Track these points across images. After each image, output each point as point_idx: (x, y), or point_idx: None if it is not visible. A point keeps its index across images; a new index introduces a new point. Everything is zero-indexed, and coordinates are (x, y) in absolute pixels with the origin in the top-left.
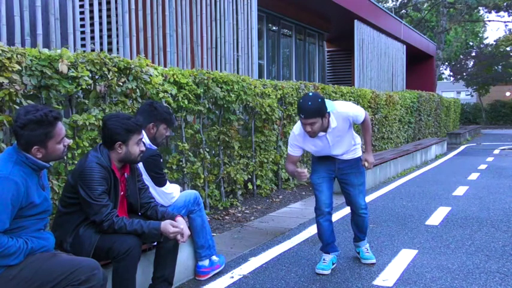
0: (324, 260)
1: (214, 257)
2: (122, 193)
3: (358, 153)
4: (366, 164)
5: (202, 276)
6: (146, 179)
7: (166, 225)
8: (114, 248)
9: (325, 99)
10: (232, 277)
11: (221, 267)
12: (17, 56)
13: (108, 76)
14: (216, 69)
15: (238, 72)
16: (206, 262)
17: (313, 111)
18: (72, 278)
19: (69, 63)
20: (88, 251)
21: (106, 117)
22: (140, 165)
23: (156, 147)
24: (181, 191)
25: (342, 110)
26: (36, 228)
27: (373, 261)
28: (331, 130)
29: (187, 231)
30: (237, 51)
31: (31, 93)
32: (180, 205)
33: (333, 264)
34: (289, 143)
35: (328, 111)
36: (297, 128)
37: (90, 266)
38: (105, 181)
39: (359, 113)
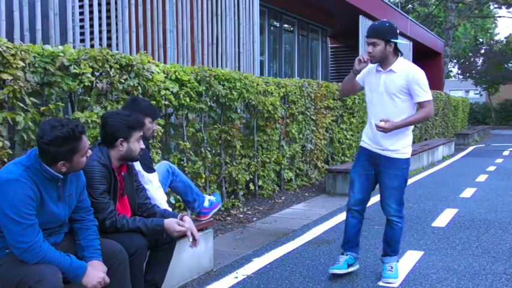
0: (338, 261)
1: (211, 197)
2: (120, 192)
3: (404, 154)
4: (382, 123)
5: (204, 217)
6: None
7: (171, 222)
8: (129, 249)
9: (399, 38)
10: (236, 277)
11: (219, 206)
12: (21, 53)
13: (110, 73)
14: (217, 65)
15: (239, 69)
16: (206, 203)
17: (375, 30)
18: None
19: (72, 60)
20: None
21: (106, 114)
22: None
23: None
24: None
25: (408, 64)
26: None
27: (393, 281)
28: (389, 70)
29: (196, 231)
30: (239, 48)
31: (34, 90)
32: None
33: (349, 265)
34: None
35: (394, 41)
36: None
37: (37, 273)
38: (105, 180)
39: (424, 85)
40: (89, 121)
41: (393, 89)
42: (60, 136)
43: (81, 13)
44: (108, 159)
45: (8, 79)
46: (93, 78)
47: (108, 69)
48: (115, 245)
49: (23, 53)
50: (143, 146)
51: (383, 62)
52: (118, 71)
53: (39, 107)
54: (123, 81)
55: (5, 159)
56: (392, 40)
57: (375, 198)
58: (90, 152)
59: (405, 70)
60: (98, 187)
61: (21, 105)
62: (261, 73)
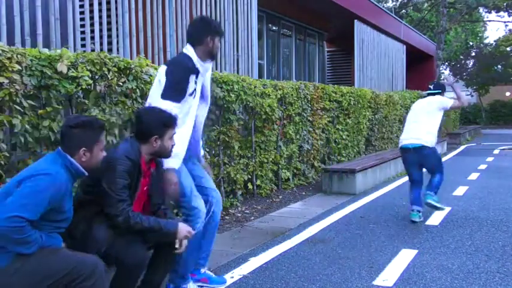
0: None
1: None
2: (146, 188)
3: None
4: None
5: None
6: None
7: (183, 226)
8: (125, 260)
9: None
10: (233, 277)
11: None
12: (17, 56)
13: (108, 76)
14: (216, 69)
15: (238, 72)
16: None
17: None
18: (75, 273)
19: (69, 64)
20: (99, 247)
21: (141, 110)
22: None
23: None
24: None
25: None
26: (49, 231)
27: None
28: None
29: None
30: (237, 51)
31: (31, 93)
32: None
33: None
34: None
35: None
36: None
37: (92, 262)
38: (128, 175)
39: None
40: None
41: None
42: (85, 121)
43: (82, 19)
44: (139, 153)
45: (4, 82)
46: (90, 81)
47: (106, 72)
48: (93, 258)
49: (19, 56)
50: (175, 143)
51: None
52: (116, 74)
53: (37, 110)
54: (121, 84)
55: (2, 162)
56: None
57: (368, 198)
58: (104, 152)
59: None
60: (119, 181)
61: (18, 108)
62: (260, 76)
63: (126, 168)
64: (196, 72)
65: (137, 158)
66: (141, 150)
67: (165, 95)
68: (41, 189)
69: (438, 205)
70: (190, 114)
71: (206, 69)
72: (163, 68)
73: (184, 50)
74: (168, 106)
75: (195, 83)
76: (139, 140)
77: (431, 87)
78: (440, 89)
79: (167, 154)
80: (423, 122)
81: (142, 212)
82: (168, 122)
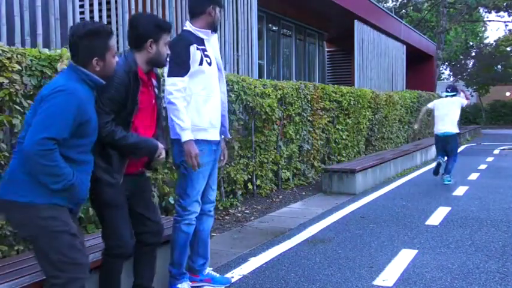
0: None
1: (209, 274)
2: (154, 100)
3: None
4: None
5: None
6: None
7: (160, 145)
8: (110, 241)
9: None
10: (232, 277)
11: None
12: (17, 56)
13: None
14: None
15: (238, 73)
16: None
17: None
18: (58, 267)
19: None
20: (121, 167)
21: (136, 15)
22: None
23: None
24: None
25: None
26: (84, 150)
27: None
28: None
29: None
30: (237, 51)
31: (31, 93)
32: None
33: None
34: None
35: None
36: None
37: (80, 270)
38: (124, 88)
39: None
40: None
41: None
42: (93, 30)
43: (82, 19)
44: (134, 62)
45: (4, 82)
46: None
47: None
48: (85, 269)
49: (19, 56)
50: (169, 52)
51: None
52: None
53: None
54: None
55: (2, 162)
56: None
57: (368, 198)
58: (117, 58)
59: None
60: (109, 91)
61: (18, 108)
62: (260, 76)
63: (119, 81)
64: (197, 40)
65: (133, 67)
66: (136, 60)
67: (169, 72)
68: (62, 107)
69: (451, 182)
70: (213, 86)
71: (207, 34)
72: None
73: (184, 28)
74: (174, 81)
75: (202, 50)
76: (134, 48)
77: (449, 90)
78: (457, 92)
79: (163, 61)
80: (451, 116)
81: (154, 132)
82: (163, 24)
